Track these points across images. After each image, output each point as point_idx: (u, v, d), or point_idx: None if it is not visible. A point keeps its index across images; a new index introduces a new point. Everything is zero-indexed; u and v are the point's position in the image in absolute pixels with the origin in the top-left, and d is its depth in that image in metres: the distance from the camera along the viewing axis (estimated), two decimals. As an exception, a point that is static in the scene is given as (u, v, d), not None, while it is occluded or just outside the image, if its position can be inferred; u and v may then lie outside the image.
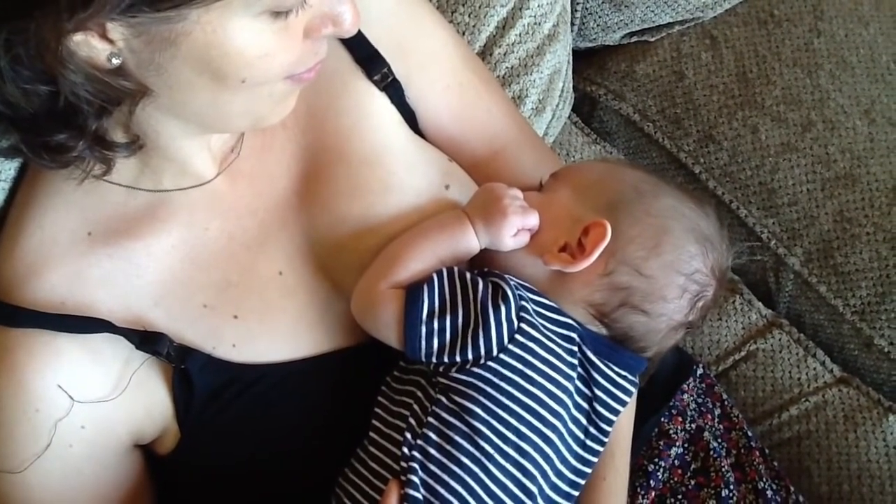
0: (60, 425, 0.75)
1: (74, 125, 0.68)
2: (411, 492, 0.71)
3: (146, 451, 0.83)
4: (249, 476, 0.79)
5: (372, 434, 0.76)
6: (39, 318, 0.75)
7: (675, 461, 0.96)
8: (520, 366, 0.72)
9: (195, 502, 0.83)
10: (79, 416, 0.75)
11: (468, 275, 0.75)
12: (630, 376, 0.78)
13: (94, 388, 0.76)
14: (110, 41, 0.63)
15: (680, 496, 0.95)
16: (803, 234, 1.19)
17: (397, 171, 0.82)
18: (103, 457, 0.79)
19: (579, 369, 0.76)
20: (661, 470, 0.95)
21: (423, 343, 0.72)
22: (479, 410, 0.72)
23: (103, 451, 0.79)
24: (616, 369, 0.77)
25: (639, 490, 0.93)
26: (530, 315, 0.74)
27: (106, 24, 0.62)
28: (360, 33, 0.83)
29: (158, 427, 0.79)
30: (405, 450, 0.72)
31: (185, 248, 0.79)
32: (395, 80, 0.84)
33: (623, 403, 0.78)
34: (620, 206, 0.77)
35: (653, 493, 0.94)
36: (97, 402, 0.76)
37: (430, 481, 0.72)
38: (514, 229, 0.77)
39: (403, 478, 0.72)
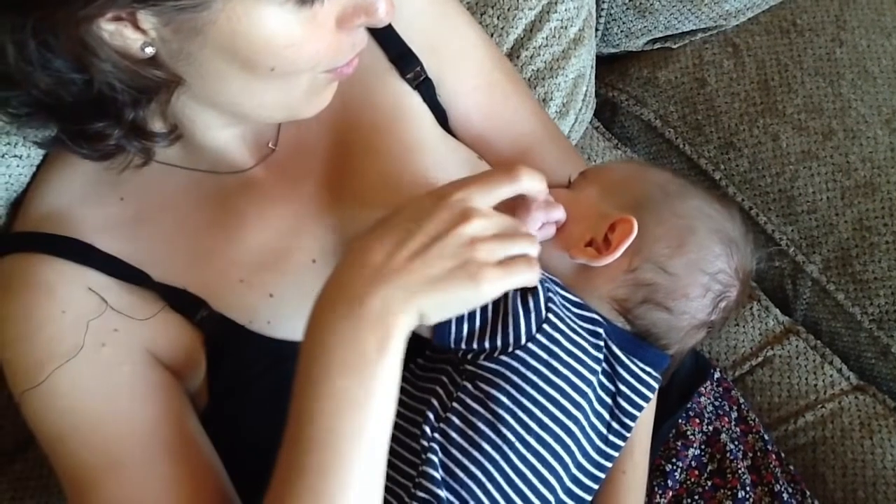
0: (93, 324, 0.73)
1: (111, 114, 0.69)
2: (430, 470, 0.71)
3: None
4: (271, 450, 0.80)
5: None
6: (75, 247, 0.75)
7: (693, 462, 0.96)
8: (546, 356, 0.73)
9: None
10: (112, 321, 0.74)
11: None
12: (654, 372, 0.79)
13: (127, 306, 0.75)
14: (143, 31, 0.64)
15: (697, 496, 0.94)
16: (822, 241, 1.19)
17: (427, 165, 0.83)
18: (139, 363, 0.75)
19: (604, 364, 0.76)
20: (679, 470, 0.95)
21: (453, 329, 0.72)
22: (503, 399, 0.72)
23: (140, 357, 0.75)
24: (640, 365, 0.77)
25: (656, 489, 0.93)
26: (557, 307, 0.74)
27: (137, 14, 0.62)
28: (393, 32, 0.84)
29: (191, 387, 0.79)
30: (427, 429, 0.72)
31: (220, 228, 0.80)
32: (427, 79, 0.85)
33: (646, 399, 0.78)
34: (647, 205, 0.78)
35: (670, 493, 0.94)
36: (130, 317, 0.75)
37: (450, 464, 0.72)
38: (539, 223, 0.77)
39: (424, 456, 0.72)
